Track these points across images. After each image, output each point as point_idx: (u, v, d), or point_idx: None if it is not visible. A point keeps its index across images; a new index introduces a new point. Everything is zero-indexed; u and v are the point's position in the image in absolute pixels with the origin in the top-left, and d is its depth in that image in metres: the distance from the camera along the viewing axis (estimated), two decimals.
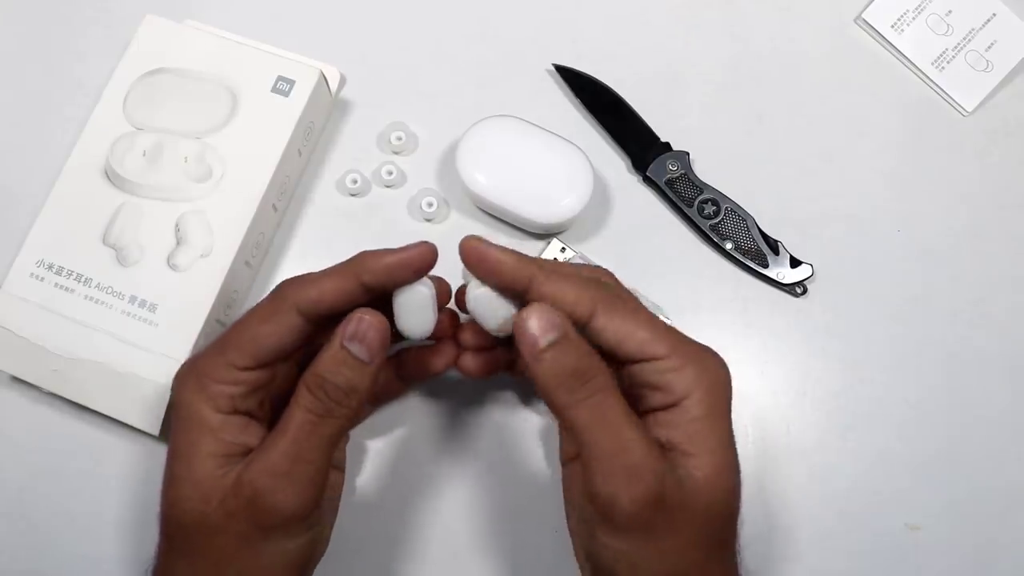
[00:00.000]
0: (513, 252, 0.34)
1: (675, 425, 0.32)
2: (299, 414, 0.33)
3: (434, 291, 0.35)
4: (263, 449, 0.33)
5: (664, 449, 0.32)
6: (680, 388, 0.32)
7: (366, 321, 0.33)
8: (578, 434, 0.32)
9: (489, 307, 0.34)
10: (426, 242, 0.34)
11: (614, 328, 0.33)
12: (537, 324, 0.32)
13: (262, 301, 0.35)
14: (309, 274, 0.35)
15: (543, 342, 0.32)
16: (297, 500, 0.32)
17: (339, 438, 0.34)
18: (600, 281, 0.35)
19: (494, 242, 0.34)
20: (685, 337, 0.34)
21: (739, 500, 0.34)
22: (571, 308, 0.33)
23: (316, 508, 0.34)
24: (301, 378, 0.33)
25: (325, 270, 0.35)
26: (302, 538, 0.34)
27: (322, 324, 0.35)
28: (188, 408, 0.33)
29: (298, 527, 0.33)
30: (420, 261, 0.34)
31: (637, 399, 0.33)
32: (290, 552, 0.34)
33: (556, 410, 0.32)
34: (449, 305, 0.40)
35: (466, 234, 0.34)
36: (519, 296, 0.34)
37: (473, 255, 0.34)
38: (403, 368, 0.41)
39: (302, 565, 0.35)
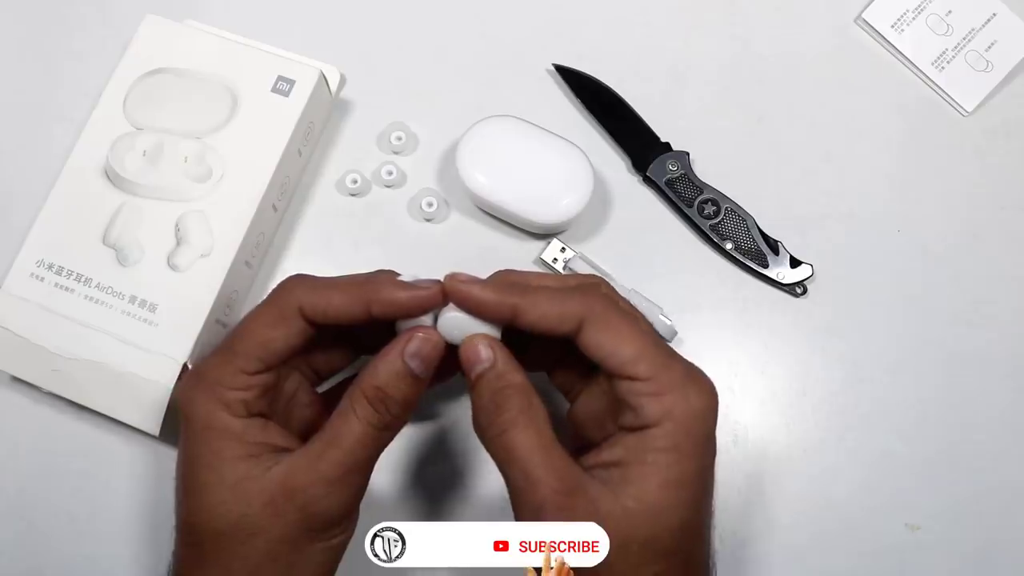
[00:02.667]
0: (495, 286, 0.34)
1: (635, 450, 0.32)
2: (359, 427, 0.33)
3: (436, 327, 0.35)
4: (315, 456, 0.33)
5: (608, 467, 0.32)
6: (651, 415, 0.31)
7: (429, 342, 0.34)
8: (498, 467, 0.33)
9: (459, 330, 0.34)
10: (438, 282, 0.34)
11: (599, 342, 0.32)
12: (466, 357, 0.33)
13: (264, 304, 0.35)
14: (315, 278, 0.35)
15: (472, 374, 0.33)
16: (347, 506, 0.33)
17: (385, 447, 0.35)
18: (592, 291, 0.34)
19: (476, 276, 0.34)
20: (675, 360, 0.33)
21: (692, 535, 0.32)
22: (556, 326, 0.33)
23: (357, 509, 0.35)
24: (354, 388, 0.34)
25: (335, 282, 0.35)
26: (342, 537, 0.35)
27: (325, 330, 0.35)
28: (205, 418, 0.33)
29: (340, 527, 0.34)
30: (430, 302, 0.34)
31: (618, 412, 0.33)
32: (331, 550, 0.34)
33: (482, 443, 0.34)
34: None
35: (451, 271, 0.34)
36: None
37: (456, 296, 0.34)
38: None
39: (336, 562, 0.35)
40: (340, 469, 0.33)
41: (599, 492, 0.31)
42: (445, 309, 0.34)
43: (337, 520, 0.34)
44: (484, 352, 0.33)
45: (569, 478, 0.31)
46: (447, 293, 0.34)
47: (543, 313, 0.33)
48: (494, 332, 0.34)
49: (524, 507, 0.32)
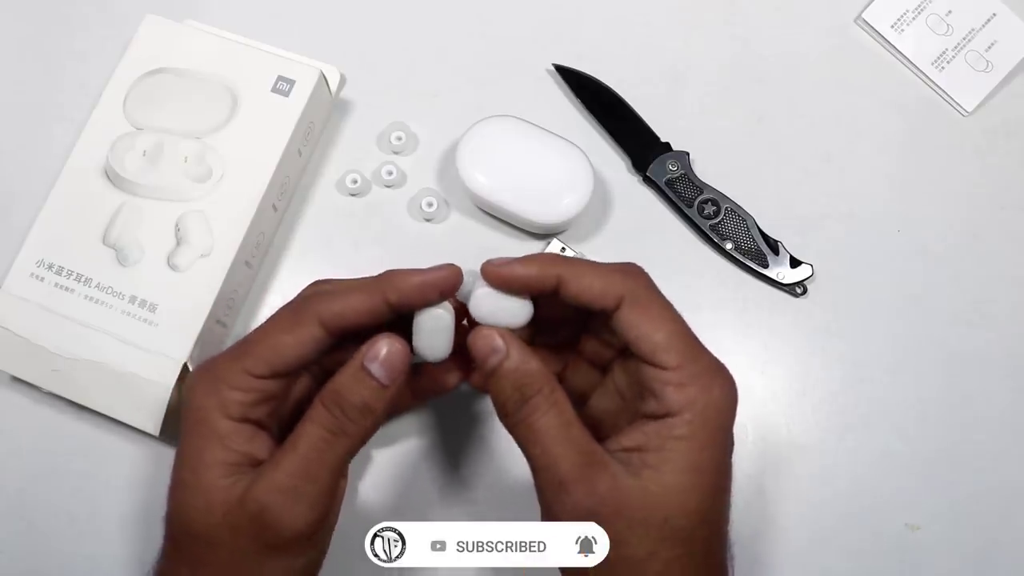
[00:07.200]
0: (536, 260, 0.34)
1: (654, 436, 0.32)
2: (312, 430, 0.33)
3: (454, 316, 0.35)
4: (272, 464, 0.32)
5: (629, 452, 0.32)
6: (674, 405, 0.32)
7: (390, 345, 0.33)
8: (521, 449, 0.33)
9: (496, 305, 0.34)
10: (452, 265, 0.34)
11: (633, 325, 0.33)
12: (479, 348, 0.33)
13: (284, 308, 0.35)
14: (334, 282, 0.35)
15: (487, 366, 0.33)
16: (304, 519, 0.32)
17: (350, 458, 0.34)
18: (635, 272, 0.34)
19: (506, 256, 0.34)
20: (702, 352, 0.33)
21: (709, 524, 0.33)
22: (596, 299, 0.33)
23: (322, 527, 0.34)
24: (318, 395, 0.33)
25: (351, 283, 0.35)
26: (306, 557, 0.34)
27: (342, 338, 0.34)
28: (198, 412, 0.33)
29: (303, 546, 0.33)
30: (446, 283, 0.34)
31: (638, 397, 0.33)
32: (294, 570, 0.33)
33: (505, 427, 0.34)
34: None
35: (487, 258, 0.35)
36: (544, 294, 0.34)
37: (499, 278, 0.34)
38: (417, 383, 0.40)
39: None
40: (294, 477, 0.32)
41: (619, 470, 0.32)
42: (475, 288, 0.34)
43: (299, 535, 0.32)
44: (497, 341, 0.33)
45: (589, 452, 0.32)
46: (486, 276, 0.34)
47: (588, 284, 0.33)
48: (524, 312, 0.34)
49: (547, 485, 0.32)
